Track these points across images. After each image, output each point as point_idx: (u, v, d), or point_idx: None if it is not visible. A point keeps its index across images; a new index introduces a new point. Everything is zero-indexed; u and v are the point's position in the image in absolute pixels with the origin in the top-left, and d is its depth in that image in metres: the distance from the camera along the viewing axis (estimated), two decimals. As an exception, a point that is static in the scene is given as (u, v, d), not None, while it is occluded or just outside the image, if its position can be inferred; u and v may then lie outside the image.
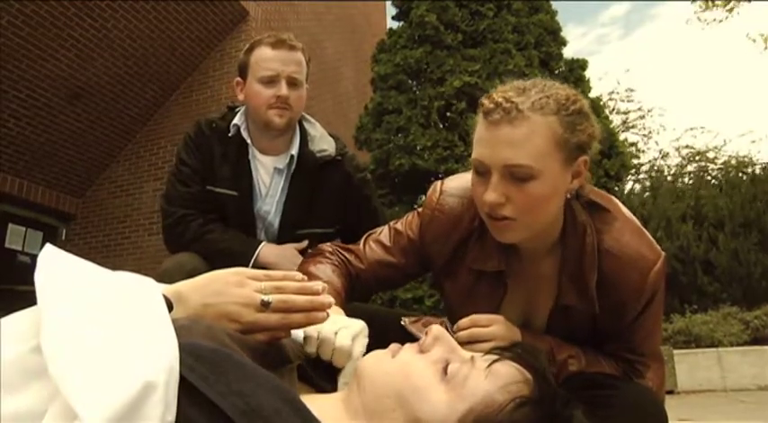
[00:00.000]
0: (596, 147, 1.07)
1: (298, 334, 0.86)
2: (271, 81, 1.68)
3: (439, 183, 1.26)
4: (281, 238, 1.75)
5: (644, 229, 1.13)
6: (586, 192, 1.13)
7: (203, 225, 1.70)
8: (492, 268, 1.15)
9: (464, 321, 1.12)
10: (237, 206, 1.72)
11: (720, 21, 10.49)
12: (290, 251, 1.69)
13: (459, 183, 1.22)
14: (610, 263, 1.07)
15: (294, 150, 1.75)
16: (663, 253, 1.10)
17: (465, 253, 1.18)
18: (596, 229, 1.09)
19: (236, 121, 1.76)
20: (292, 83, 1.69)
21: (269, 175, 1.76)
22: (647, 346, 1.17)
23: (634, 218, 1.16)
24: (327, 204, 1.76)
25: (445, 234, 1.19)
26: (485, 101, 1.02)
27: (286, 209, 1.75)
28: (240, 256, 1.62)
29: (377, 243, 1.30)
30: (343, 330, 0.88)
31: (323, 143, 1.79)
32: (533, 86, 1.02)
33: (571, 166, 1.02)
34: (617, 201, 1.18)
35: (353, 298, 1.24)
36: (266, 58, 1.69)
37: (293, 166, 1.75)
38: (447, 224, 1.19)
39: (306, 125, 1.84)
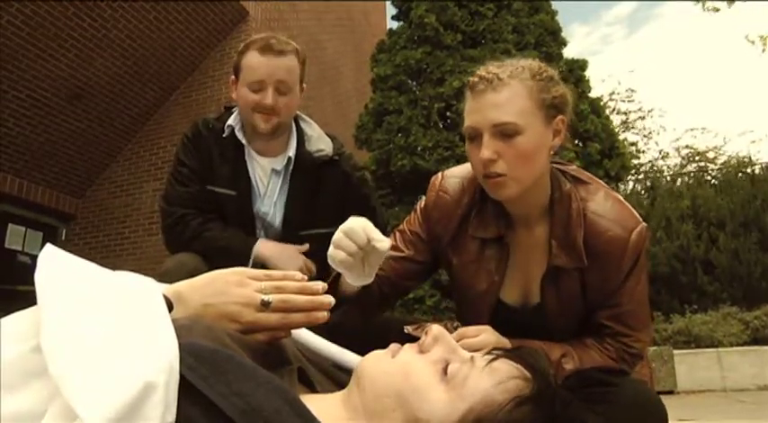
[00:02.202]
0: (571, 110, 1.23)
1: (298, 334, 0.87)
2: (259, 87, 1.67)
3: (440, 173, 1.40)
4: (284, 239, 1.75)
5: (624, 201, 1.24)
6: (571, 170, 1.28)
7: (202, 223, 1.70)
8: (492, 234, 1.26)
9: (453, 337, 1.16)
10: (236, 206, 1.72)
11: (717, 10, 10.63)
12: (289, 249, 1.69)
13: (458, 169, 1.37)
14: (595, 224, 1.18)
15: (291, 152, 1.75)
16: (644, 223, 1.20)
17: (467, 226, 1.29)
18: (581, 198, 1.21)
19: (230, 121, 1.75)
20: (280, 89, 1.68)
21: (266, 176, 1.76)
22: (636, 318, 1.22)
23: (615, 192, 1.27)
24: (327, 204, 1.76)
25: (450, 211, 1.31)
26: (470, 79, 1.19)
27: (287, 210, 1.74)
28: (239, 252, 1.63)
29: None
30: (367, 228, 1.06)
31: (320, 143, 1.79)
32: (509, 62, 1.20)
33: (550, 124, 1.17)
34: (598, 179, 1.30)
35: (386, 298, 1.36)
36: (253, 64, 1.67)
37: (291, 168, 1.75)
38: (451, 202, 1.31)
39: (302, 125, 1.84)
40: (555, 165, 1.27)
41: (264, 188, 1.76)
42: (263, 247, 1.67)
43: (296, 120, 1.84)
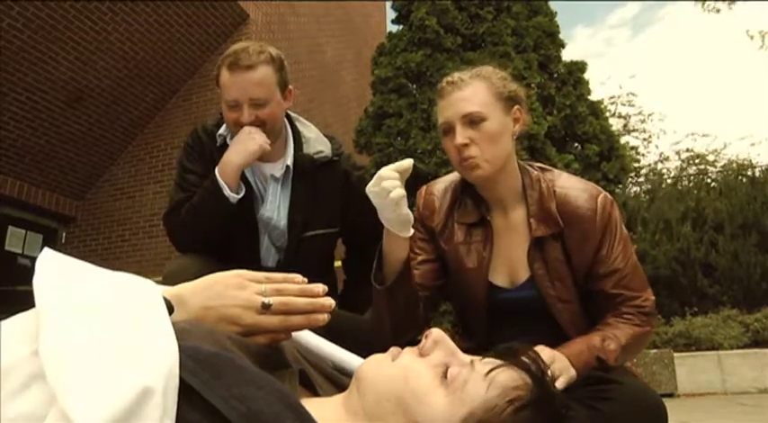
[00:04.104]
0: (526, 102, 1.46)
1: (299, 336, 0.87)
2: (234, 105, 1.64)
3: (423, 186, 1.58)
4: (290, 242, 1.74)
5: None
6: (536, 164, 1.48)
7: (189, 199, 1.69)
8: (475, 219, 1.43)
9: None
10: (238, 210, 1.70)
11: (718, 11, 10.71)
12: (241, 136, 1.64)
13: (440, 178, 1.57)
14: (564, 195, 1.37)
15: (289, 161, 1.73)
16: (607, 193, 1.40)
17: (454, 215, 1.47)
18: (549, 179, 1.41)
19: (221, 131, 1.74)
20: (256, 104, 1.64)
21: (267, 181, 1.75)
22: (637, 280, 1.36)
23: None
24: (329, 205, 1.76)
25: (437, 206, 1.50)
26: (439, 87, 1.42)
27: (291, 214, 1.74)
28: (212, 190, 1.61)
29: None
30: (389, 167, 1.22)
31: (318, 144, 1.78)
32: (470, 70, 1.42)
33: (510, 113, 1.39)
34: None
35: (425, 301, 1.43)
36: (225, 83, 1.64)
37: (290, 175, 1.74)
38: (436, 199, 1.51)
39: (299, 127, 1.82)
40: (521, 162, 1.47)
41: (265, 193, 1.75)
42: (225, 164, 1.63)
43: (292, 122, 1.83)
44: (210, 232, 1.67)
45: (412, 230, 1.29)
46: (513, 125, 1.41)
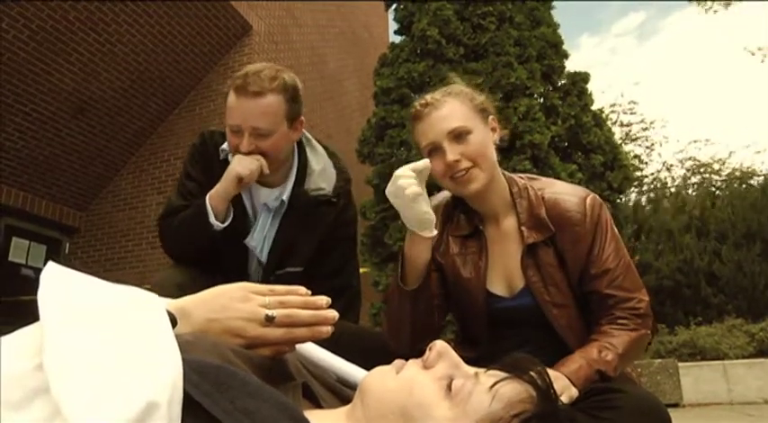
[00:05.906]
0: (494, 111, 1.50)
1: (302, 349, 0.86)
2: (237, 130, 1.57)
3: None
4: (265, 275, 1.68)
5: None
6: (523, 175, 1.52)
7: (184, 207, 1.66)
8: (469, 231, 1.46)
9: None
10: (230, 231, 1.64)
11: (715, 11, 11.07)
12: (237, 161, 1.58)
13: (433, 195, 1.57)
14: (553, 200, 1.39)
15: (285, 195, 1.66)
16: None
17: (448, 230, 1.50)
18: (538, 188, 1.43)
19: (224, 146, 1.67)
20: (258, 133, 1.55)
21: (259, 208, 1.69)
22: (630, 280, 1.35)
23: None
24: (312, 244, 1.68)
25: None
26: (412, 111, 1.44)
27: (274, 247, 1.67)
28: (199, 214, 1.58)
29: None
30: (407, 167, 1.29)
31: (321, 181, 1.68)
32: (439, 90, 1.45)
33: (487, 123, 1.42)
34: None
35: (437, 308, 1.47)
36: (231, 106, 1.55)
37: (284, 209, 1.67)
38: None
39: (309, 155, 1.73)
40: (506, 173, 1.50)
41: (255, 222, 1.69)
42: (214, 196, 1.60)
43: (302, 149, 1.74)
44: (196, 248, 1.63)
45: (435, 231, 1.33)
46: (493, 134, 1.44)
